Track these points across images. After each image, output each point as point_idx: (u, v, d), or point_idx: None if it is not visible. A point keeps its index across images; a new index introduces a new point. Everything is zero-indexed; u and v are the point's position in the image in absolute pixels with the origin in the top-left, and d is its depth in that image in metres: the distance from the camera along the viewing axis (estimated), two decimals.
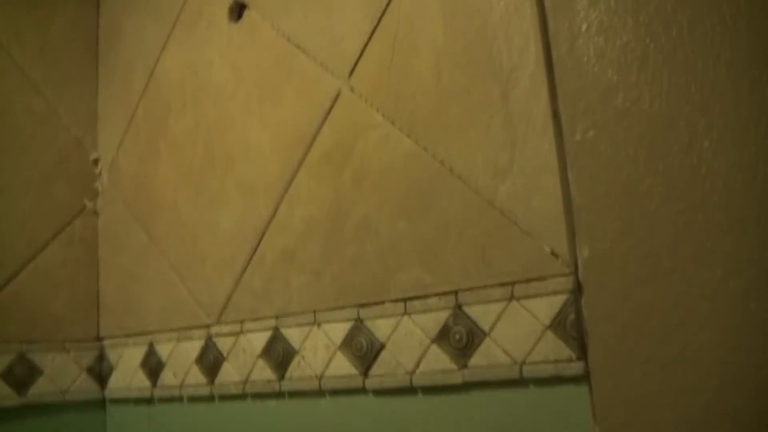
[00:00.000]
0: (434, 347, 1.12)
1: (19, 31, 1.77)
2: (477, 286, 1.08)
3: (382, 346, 1.19)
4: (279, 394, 1.35)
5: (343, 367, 1.24)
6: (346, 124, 1.27)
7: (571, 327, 0.98)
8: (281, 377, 1.33)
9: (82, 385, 1.71)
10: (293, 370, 1.32)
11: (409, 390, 1.15)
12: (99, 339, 1.76)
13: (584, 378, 0.96)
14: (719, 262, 0.86)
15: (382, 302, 1.19)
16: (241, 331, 1.42)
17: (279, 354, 1.34)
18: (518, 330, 1.03)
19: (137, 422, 1.65)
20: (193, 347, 1.52)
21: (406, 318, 1.16)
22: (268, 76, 1.43)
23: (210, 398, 1.48)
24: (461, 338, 1.09)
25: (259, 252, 1.40)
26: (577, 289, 0.98)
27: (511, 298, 1.04)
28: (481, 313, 1.07)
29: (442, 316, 1.11)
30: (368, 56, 1.25)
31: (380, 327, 1.19)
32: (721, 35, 0.89)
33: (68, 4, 1.89)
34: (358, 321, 1.22)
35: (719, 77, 0.89)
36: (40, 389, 1.64)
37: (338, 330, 1.25)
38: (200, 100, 1.58)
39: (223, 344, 1.46)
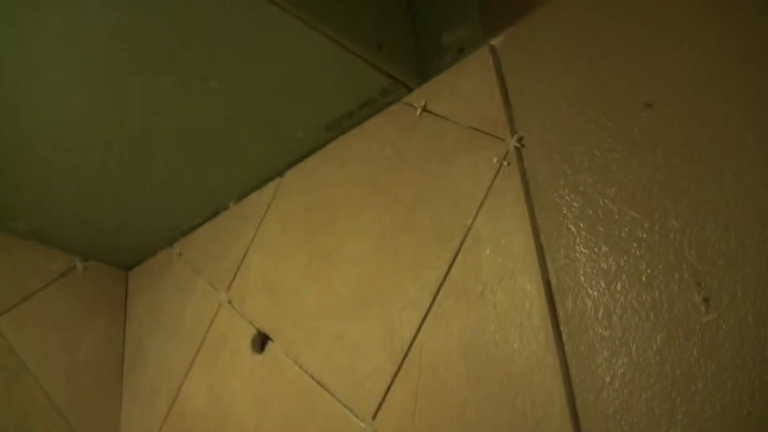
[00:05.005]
0: None
1: (47, 354, 1.78)
2: None
3: None
4: None
5: None
6: None
7: None
8: None
9: None
10: None
11: None
12: None
13: None
14: None
15: None
16: None
17: None
18: None
19: None
20: None
21: None
22: (292, 412, 1.42)
23: None
24: None
25: None
26: None
27: None
28: None
29: None
30: (392, 399, 1.25)
31: None
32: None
33: (97, 324, 1.91)
34: None
35: None
36: None
37: None
38: (224, 429, 1.56)
39: None
